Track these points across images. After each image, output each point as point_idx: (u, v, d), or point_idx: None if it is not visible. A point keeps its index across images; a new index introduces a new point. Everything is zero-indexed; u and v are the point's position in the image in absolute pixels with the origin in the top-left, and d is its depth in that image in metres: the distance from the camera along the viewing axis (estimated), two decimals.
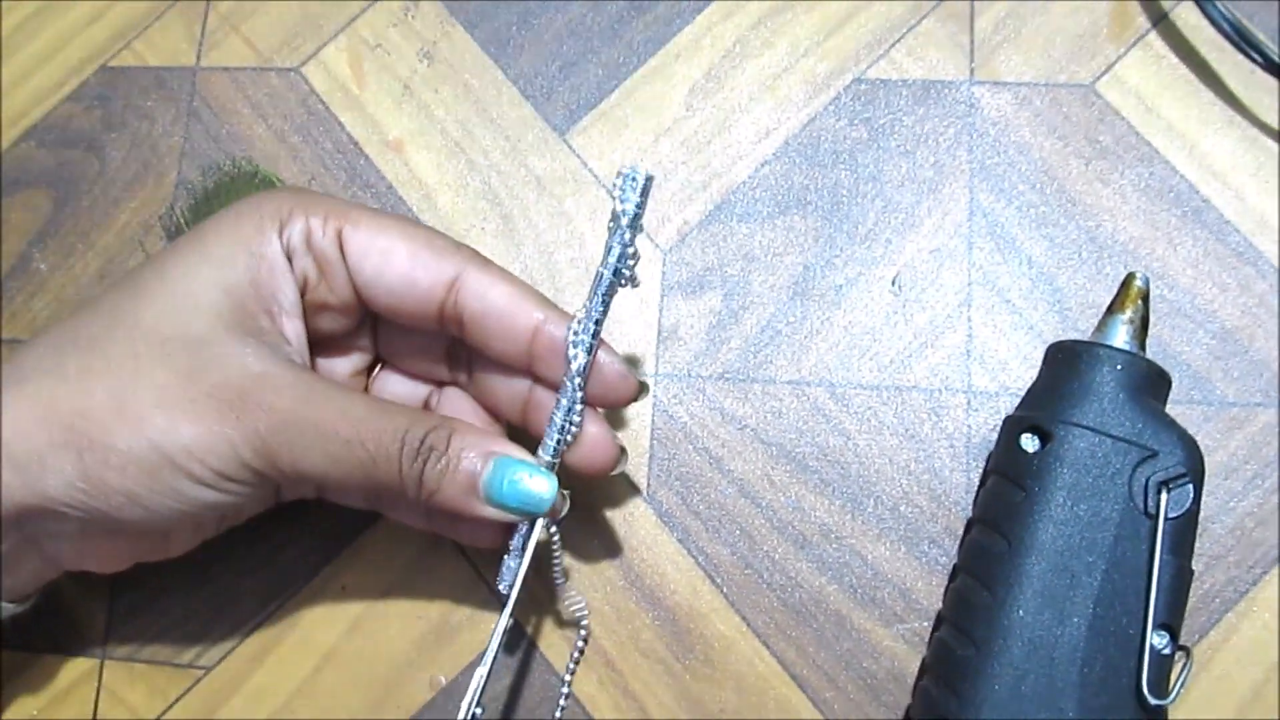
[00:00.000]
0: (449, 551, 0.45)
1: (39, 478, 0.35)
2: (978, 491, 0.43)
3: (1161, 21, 0.47)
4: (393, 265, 0.38)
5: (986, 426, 0.44)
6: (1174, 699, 0.37)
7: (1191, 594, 0.41)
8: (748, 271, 0.46)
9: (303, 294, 0.39)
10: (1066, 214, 0.45)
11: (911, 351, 0.45)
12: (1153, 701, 0.36)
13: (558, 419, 0.38)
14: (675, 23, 0.49)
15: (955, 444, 0.44)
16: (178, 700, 0.44)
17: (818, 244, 0.46)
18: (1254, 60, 0.44)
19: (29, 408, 0.35)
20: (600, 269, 0.37)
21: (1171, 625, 0.37)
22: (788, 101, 0.47)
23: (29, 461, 0.35)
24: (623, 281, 0.38)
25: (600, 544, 0.44)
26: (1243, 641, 0.42)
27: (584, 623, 0.42)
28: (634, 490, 0.45)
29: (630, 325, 0.46)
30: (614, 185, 0.37)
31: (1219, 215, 0.45)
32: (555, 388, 0.39)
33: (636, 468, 0.45)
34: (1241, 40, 0.44)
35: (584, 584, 0.44)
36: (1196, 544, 0.41)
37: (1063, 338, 0.42)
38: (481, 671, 0.37)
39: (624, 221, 0.37)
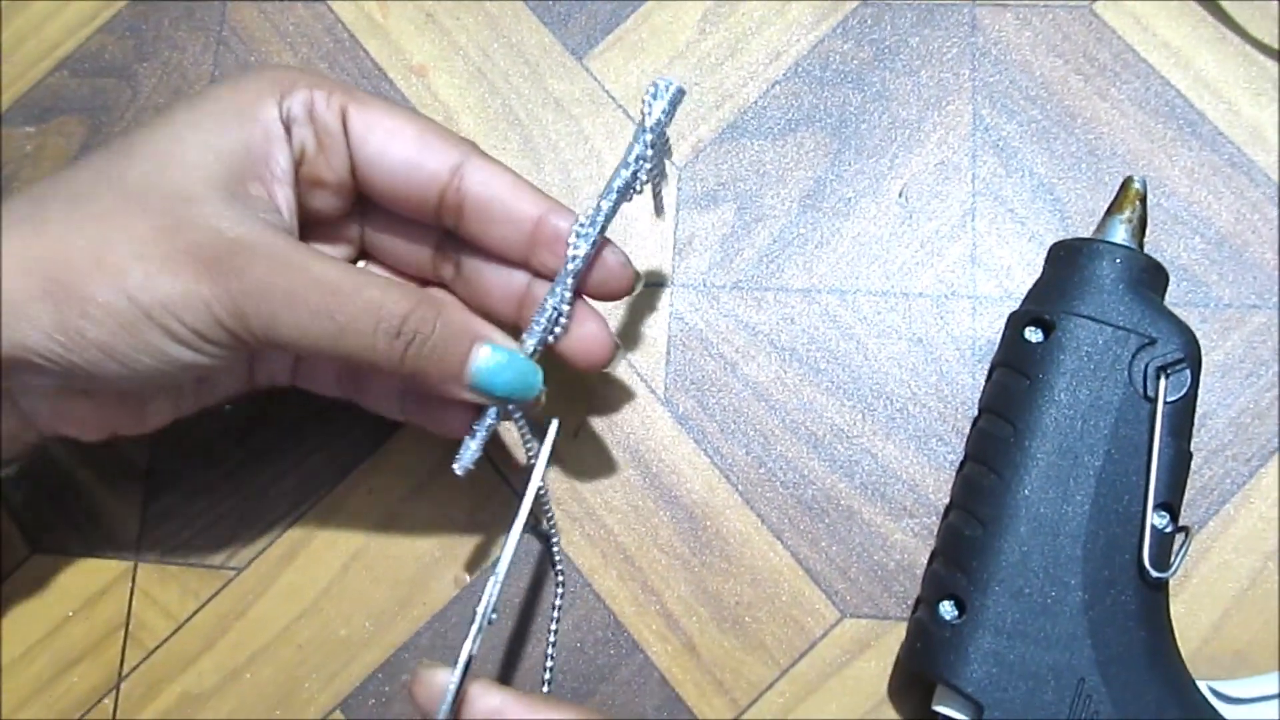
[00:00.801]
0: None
1: (16, 328, 0.34)
2: (984, 389, 0.44)
3: None
4: (398, 145, 0.38)
5: (991, 330, 0.45)
6: (1174, 572, 0.38)
7: (1191, 486, 0.43)
8: (760, 186, 0.48)
9: (298, 166, 0.38)
10: (1066, 128, 0.47)
11: (919, 259, 0.46)
12: (1154, 574, 0.38)
13: (549, 306, 0.39)
14: None
15: (961, 347, 0.45)
16: (210, 600, 0.46)
17: (827, 159, 0.48)
18: None
19: (9, 257, 0.34)
20: (619, 167, 0.38)
21: (1171, 504, 0.39)
22: (797, 24, 0.49)
23: (8, 311, 0.34)
24: (638, 188, 0.39)
25: (620, 446, 0.46)
26: (1241, 531, 0.43)
27: (560, 579, 0.44)
28: (652, 395, 0.46)
29: (647, 238, 0.48)
30: (644, 94, 0.38)
31: (1213, 127, 0.46)
32: (552, 279, 0.39)
33: (654, 373, 0.46)
34: None
35: (605, 485, 0.45)
36: (1196, 438, 0.43)
37: None
38: (496, 578, 0.36)
39: (646, 124, 0.38)
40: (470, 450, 0.39)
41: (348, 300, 0.35)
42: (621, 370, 0.46)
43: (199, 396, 0.42)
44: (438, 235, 0.41)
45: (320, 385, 0.44)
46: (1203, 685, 0.39)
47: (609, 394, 0.46)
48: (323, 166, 0.39)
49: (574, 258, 0.38)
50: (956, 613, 0.39)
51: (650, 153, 0.38)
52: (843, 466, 0.45)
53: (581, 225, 0.38)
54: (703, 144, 0.48)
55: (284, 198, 0.38)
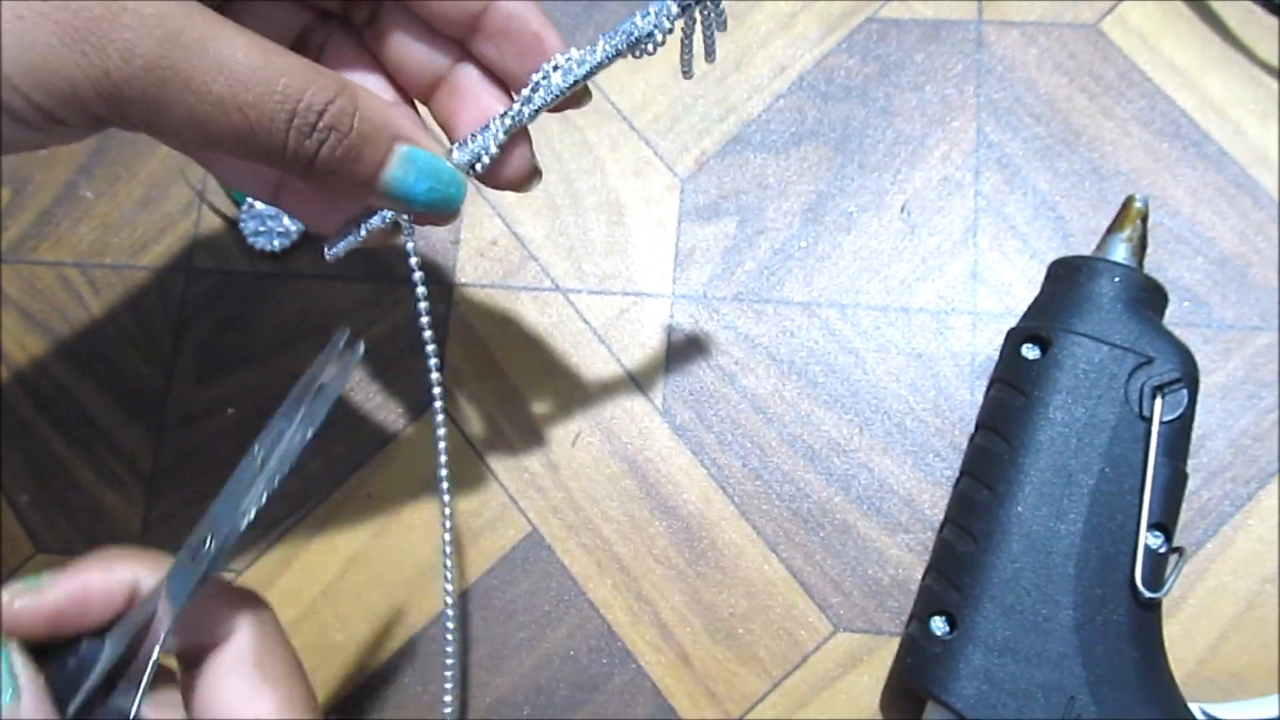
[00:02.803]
0: (472, 461, 0.46)
1: None
2: (981, 405, 0.44)
3: None
4: None
5: (991, 346, 0.45)
6: (1167, 591, 0.38)
7: (1189, 507, 0.43)
8: (762, 199, 0.48)
9: None
10: (1070, 146, 0.47)
11: (920, 275, 0.46)
12: (1146, 594, 0.38)
13: (495, 128, 0.34)
14: None
15: (960, 363, 0.45)
16: None
17: (830, 173, 0.48)
18: None
19: None
20: (638, 12, 0.32)
21: (1165, 525, 0.39)
22: (802, 39, 0.49)
23: None
24: (650, 47, 0.33)
25: (617, 456, 0.46)
26: (1239, 553, 0.43)
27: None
28: (650, 405, 0.46)
29: (648, 249, 0.48)
30: None
31: (1218, 148, 0.46)
32: (489, 71, 0.34)
33: (652, 384, 0.46)
34: None
35: (601, 494, 0.46)
36: (1195, 459, 0.43)
37: None
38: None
39: None
40: (347, 240, 0.35)
41: (261, 90, 0.28)
42: (619, 380, 0.47)
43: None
44: None
45: (191, 153, 0.36)
46: (1196, 708, 0.39)
47: (607, 403, 0.46)
48: None
49: (547, 88, 0.33)
50: (948, 628, 0.39)
51: (672, 25, 0.32)
52: (839, 480, 0.45)
53: (570, 59, 0.33)
54: (706, 156, 0.49)
55: None
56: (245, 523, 0.32)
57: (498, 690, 0.44)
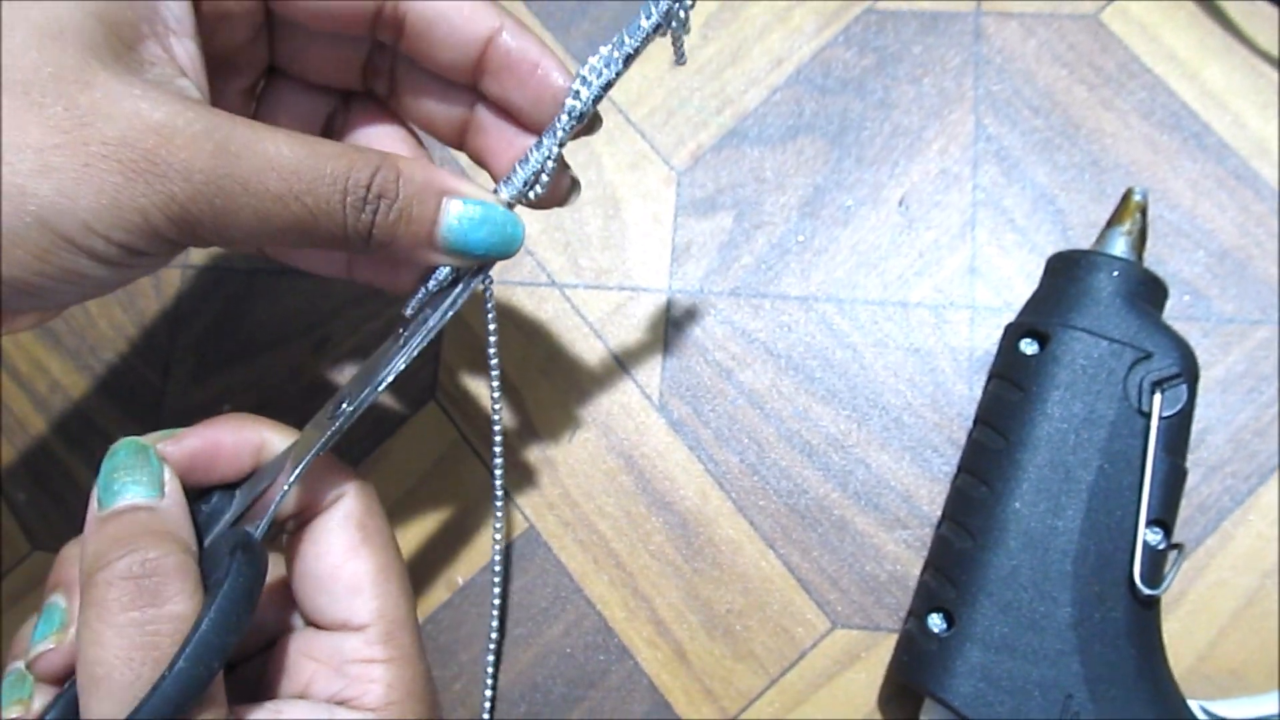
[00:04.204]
0: (467, 458, 0.46)
1: None
2: (979, 400, 0.44)
3: None
4: None
5: (989, 340, 0.45)
6: (1166, 588, 0.38)
7: (1189, 503, 0.43)
8: (759, 192, 0.47)
9: (197, 3, 0.31)
10: (1070, 138, 0.47)
11: (917, 269, 0.46)
12: (1145, 591, 0.38)
13: (533, 159, 0.34)
14: None
15: (959, 357, 0.45)
16: None
17: (827, 166, 0.47)
18: None
19: None
20: (650, 3, 0.33)
21: (1164, 521, 0.39)
22: (799, 31, 0.49)
23: None
24: (674, 28, 0.33)
25: (613, 451, 0.46)
26: (1239, 548, 0.43)
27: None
28: (646, 400, 0.46)
29: (644, 243, 0.48)
30: None
31: (1219, 139, 0.46)
32: (502, 107, 0.35)
33: (649, 379, 0.46)
34: None
35: (598, 489, 0.45)
36: (1195, 454, 0.43)
37: None
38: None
39: None
40: (422, 294, 0.36)
41: (312, 178, 0.30)
42: (616, 375, 0.46)
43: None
44: (368, 45, 0.36)
45: (250, 248, 0.38)
46: (1195, 705, 0.39)
47: (603, 398, 0.46)
48: None
49: (572, 109, 0.34)
50: (945, 625, 0.39)
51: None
52: (836, 476, 0.45)
53: (590, 72, 0.33)
54: (702, 150, 0.48)
55: (185, 53, 0.31)
56: (383, 386, 0.34)
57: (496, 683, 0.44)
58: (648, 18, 0.33)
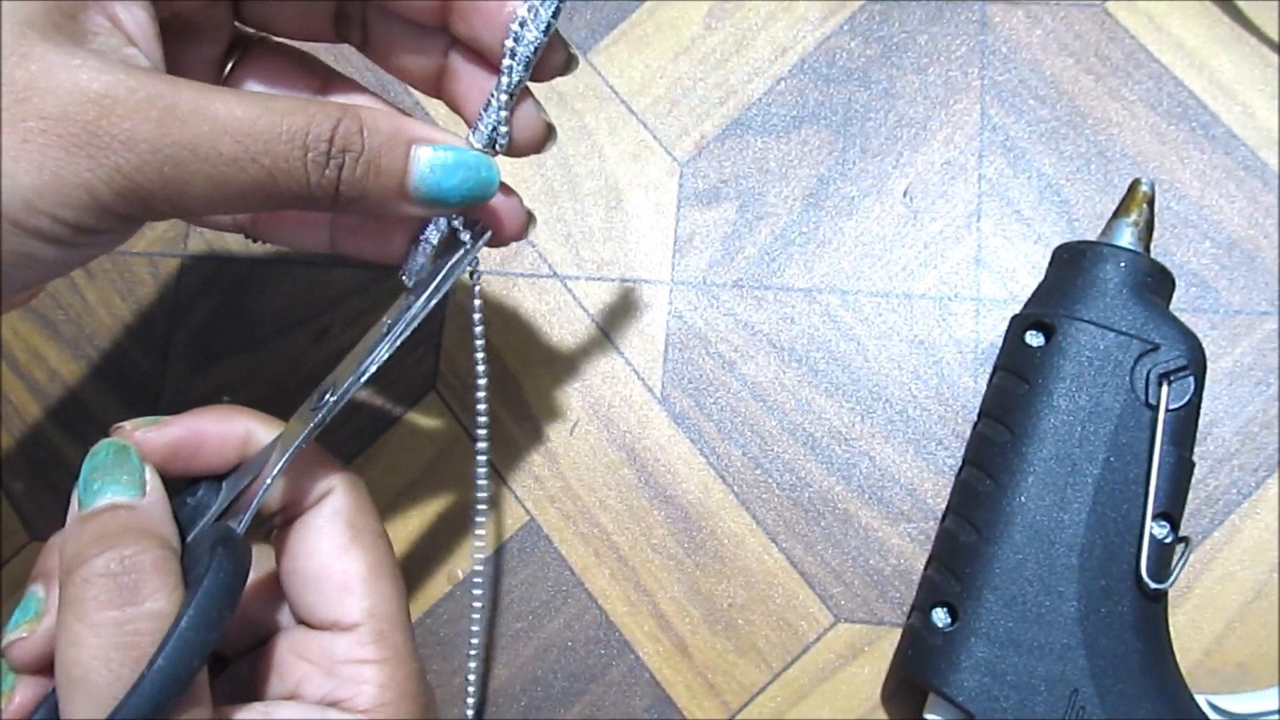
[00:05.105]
0: (467, 450, 0.46)
1: None
2: (984, 393, 0.43)
3: None
4: None
5: (994, 333, 0.45)
6: (1173, 582, 0.38)
7: (1195, 496, 0.42)
8: (763, 183, 0.47)
9: None
10: (1076, 128, 0.46)
11: (922, 260, 0.46)
12: (1152, 585, 0.37)
13: (496, 101, 0.33)
14: None
15: (963, 350, 0.45)
16: None
17: (831, 157, 0.47)
18: None
19: None
20: None
21: (1171, 514, 0.38)
22: (804, 20, 0.49)
23: None
24: None
25: (615, 444, 0.45)
26: (1246, 542, 0.42)
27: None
28: (649, 393, 0.46)
29: (646, 234, 0.47)
30: None
31: (1227, 130, 0.46)
32: (474, 49, 0.34)
33: (651, 371, 0.46)
34: None
35: (599, 483, 0.45)
36: (1201, 446, 0.42)
37: None
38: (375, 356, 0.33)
39: None
40: (419, 260, 0.35)
41: (268, 137, 0.29)
42: (618, 367, 0.46)
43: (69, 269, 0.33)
44: None
45: (226, 224, 0.37)
46: (1201, 699, 0.38)
47: (605, 391, 0.46)
48: None
49: (525, 43, 0.32)
50: (949, 620, 0.39)
51: None
52: (840, 469, 0.44)
53: (531, 6, 0.32)
54: (706, 140, 0.48)
55: (133, 20, 0.30)
56: (366, 376, 0.33)
57: (495, 681, 0.44)
58: None
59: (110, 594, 0.28)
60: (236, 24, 0.35)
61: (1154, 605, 0.38)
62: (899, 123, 0.47)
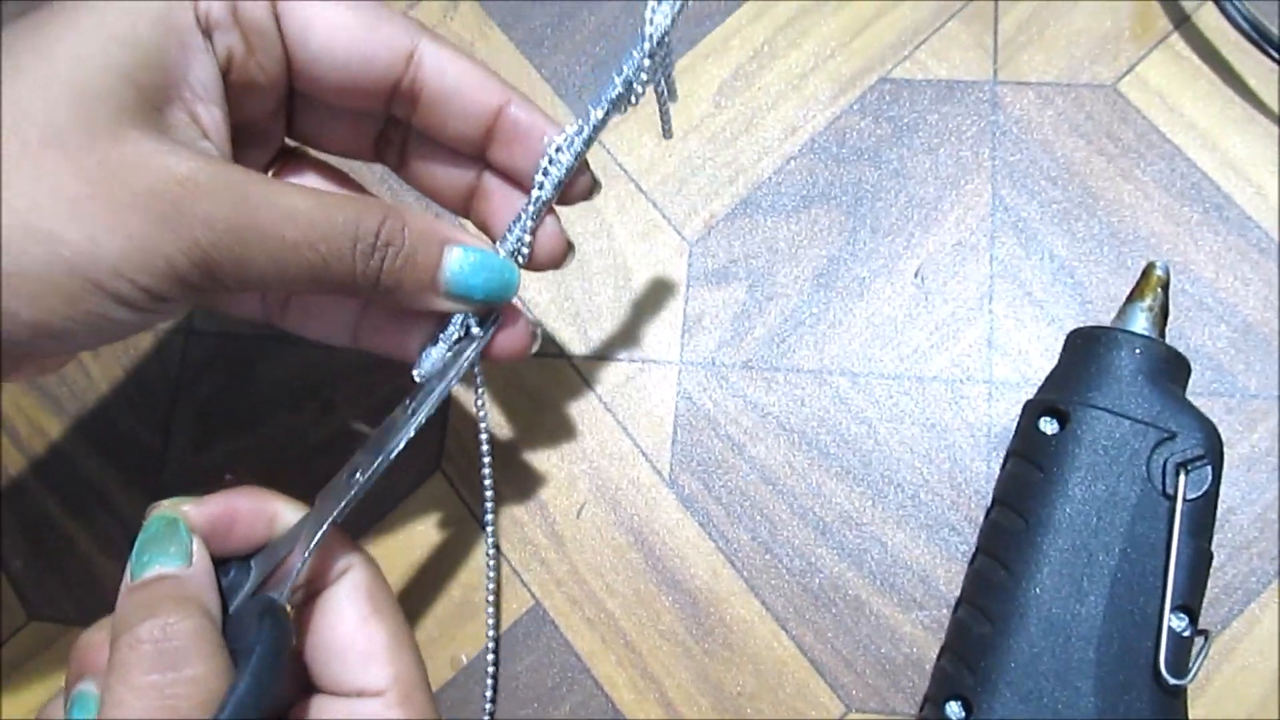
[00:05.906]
0: (472, 532, 0.45)
1: None
2: (998, 479, 0.43)
3: (1184, 24, 0.47)
4: (344, 38, 0.34)
5: (1007, 416, 0.44)
6: (1193, 678, 0.37)
7: (1214, 585, 0.42)
8: (772, 263, 0.47)
9: (225, 76, 0.34)
10: (1088, 210, 0.46)
11: (934, 342, 0.45)
12: (1171, 680, 0.36)
13: (525, 217, 0.37)
14: (706, 24, 0.50)
15: (976, 433, 0.44)
16: None
17: (841, 237, 0.47)
18: (1273, 59, 0.45)
19: None
20: (613, 74, 0.35)
21: (1190, 607, 0.37)
22: (813, 100, 0.48)
23: None
24: (633, 100, 0.35)
25: (622, 528, 0.45)
26: (1265, 632, 0.41)
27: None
28: (657, 475, 0.45)
29: (655, 314, 0.47)
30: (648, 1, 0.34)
31: (1240, 211, 0.45)
32: (509, 175, 0.37)
33: (659, 453, 0.45)
34: (1261, 40, 0.45)
35: (606, 567, 0.44)
36: (1219, 534, 0.42)
37: None
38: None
39: (647, 31, 0.34)
40: (433, 356, 0.37)
41: (325, 227, 0.32)
42: (626, 449, 0.45)
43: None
44: (381, 119, 0.38)
45: (250, 312, 0.40)
46: None
47: (613, 473, 0.45)
48: (254, 70, 0.34)
49: (558, 165, 0.36)
50: (964, 713, 0.38)
51: (649, 63, 0.35)
52: (851, 555, 0.43)
53: (569, 137, 0.36)
54: (715, 219, 0.48)
55: (210, 119, 0.33)
56: (395, 454, 0.35)
57: None
58: (611, 89, 0.35)
59: (152, 659, 0.29)
60: (286, 138, 0.39)
61: (1173, 701, 0.37)
62: (910, 203, 0.47)
